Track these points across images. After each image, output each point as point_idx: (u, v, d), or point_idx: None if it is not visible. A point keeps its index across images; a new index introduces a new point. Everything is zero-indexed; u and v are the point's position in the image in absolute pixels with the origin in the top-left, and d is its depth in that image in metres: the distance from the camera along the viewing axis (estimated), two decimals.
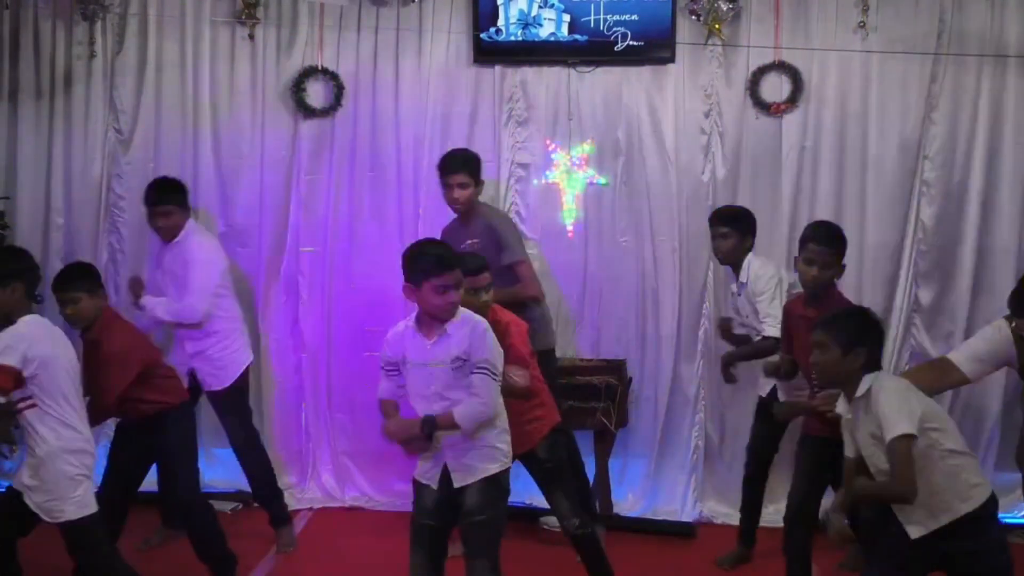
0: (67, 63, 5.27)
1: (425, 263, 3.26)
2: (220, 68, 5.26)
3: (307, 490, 5.32)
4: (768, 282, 4.37)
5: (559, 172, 5.20)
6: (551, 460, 3.94)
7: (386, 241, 5.26)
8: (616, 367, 5.01)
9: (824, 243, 3.84)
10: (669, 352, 5.18)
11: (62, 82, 5.27)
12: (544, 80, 5.19)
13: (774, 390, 4.41)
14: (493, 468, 3.33)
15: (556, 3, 5.05)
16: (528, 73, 5.19)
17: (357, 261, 5.29)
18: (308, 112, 5.21)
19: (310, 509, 5.22)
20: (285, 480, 5.31)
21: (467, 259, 3.68)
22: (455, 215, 4.69)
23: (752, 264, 4.46)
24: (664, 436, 5.21)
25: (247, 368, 4.74)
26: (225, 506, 5.15)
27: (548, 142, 5.20)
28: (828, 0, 5.02)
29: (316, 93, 5.22)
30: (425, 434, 3.27)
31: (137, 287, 4.67)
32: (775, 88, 5.07)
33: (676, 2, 4.98)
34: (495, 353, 3.31)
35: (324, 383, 5.33)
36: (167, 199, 4.57)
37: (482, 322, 3.34)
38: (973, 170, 5.01)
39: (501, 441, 3.37)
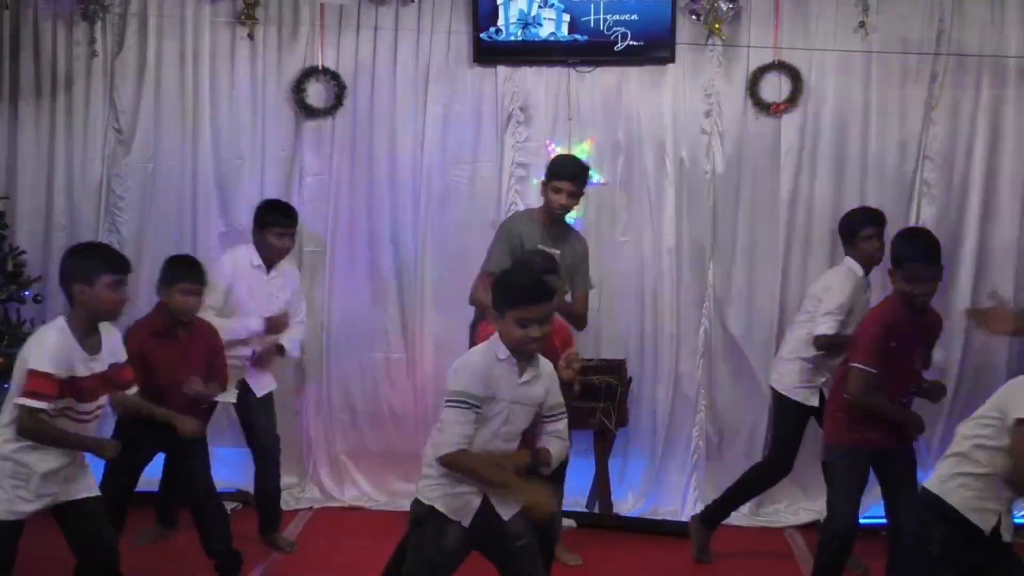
0: (67, 63, 5.26)
1: (512, 293, 3.00)
2: (220, 68, 5.26)
3: (307, 490, 5.32)
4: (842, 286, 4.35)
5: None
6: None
7: (386, 241, 5.26)
8: (616, 367, 5.01)
9: (934, 260, 3.71)
10: (669, 352, 5.18)
11: (62, 82, 5.27)
12: (544, 80, 5.18)
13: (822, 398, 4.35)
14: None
15: (556, 3, 5.05)
16: (528, 73, 5.19)
17: (357, 261, 5.29)
18: (308, 112, 5.21)
19: (310, 509, 5.22)
20: (284, 480, 5.29)
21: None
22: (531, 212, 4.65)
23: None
24: (664, 436, 5.21)
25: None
26: (225, 506, 5.15)
27: (548, 142, 5.20)
28: (828, 0, 5.03)
29: (316, 93, 5.22)
30: (539, 469, 3.08)
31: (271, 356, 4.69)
32: (775, 88, 5.07)
33: (676, 2, 4.99)
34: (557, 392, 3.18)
35: (323, 383, 5.33)
36: (295, 220, 4.66)
37: (548, 361, 3.18)
38: (973, 170, 5.02)
39: None
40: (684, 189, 5.14)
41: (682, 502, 5.18)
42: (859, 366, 3.64)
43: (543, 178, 4.57)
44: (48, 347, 3.18)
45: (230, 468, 5.21)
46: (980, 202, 5.01)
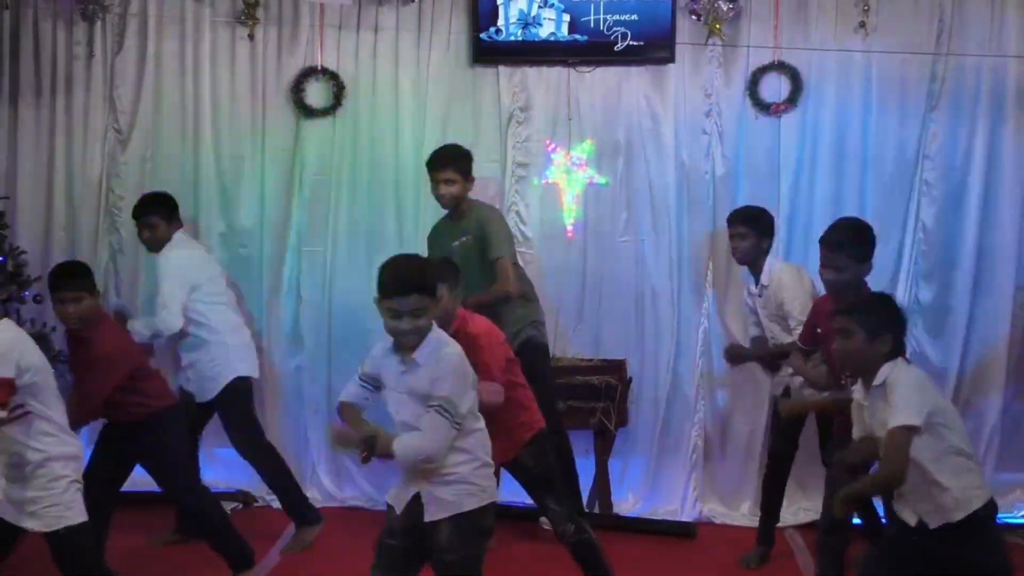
0: (67, 63, 5.26)
1: (381, 281, 3.01)
2: (220, 68, 5.26)
3: (307, 490, 5.30)
4: (792, 289, 4.36)
5: (559, 172, 5.20)
6: (538, 467, 3.81)
7: (386, 241, 5.26)
8: (616, 367, 5.01)
9: (833, 249, 3.78)
10: (669, 352, 5.18)
11: (62, 82, 5.27)
12: (544, 80, 5.19)
13: (787, 389, 4.40)
14: (469, 504, 3.04)
15: (556, 3, 5.05)
16: (528, 73, 5.19)
17: (357, 261, 5.29)
18: (308, 112, 5.21)
19: None
20: None
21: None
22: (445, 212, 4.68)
23: (774, 268, 4.45)
24: (664, 436, 5.21)
25: (239, 379, 4.68)
26: (225, 506, 5.14)
27: (548, 142, 5.20)
28: (828, 0, 5.03)
29: (316, 93, 5.22)
30: (363, 451, 3.02)
31: (121, 318, 4.58)
32: (775, 88, 5.07)
33: (676, 2, 4.99)
34: (459, 388, 2.97)
35: (324, 383, 5.33)
36: (150, 211, 4.60)
37: (452, 353, 3.03)
38: (973, 170, 5.02)
39: (479, 476, 3.07)
40: (684, 189, 5.14)
41: (682, 502, 5.18)
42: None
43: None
44: None
45: (230, 468, 5.22)
46: (980, 202, 5.01)
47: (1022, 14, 4.97)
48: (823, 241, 3.84)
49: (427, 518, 3.04)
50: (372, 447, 2.99)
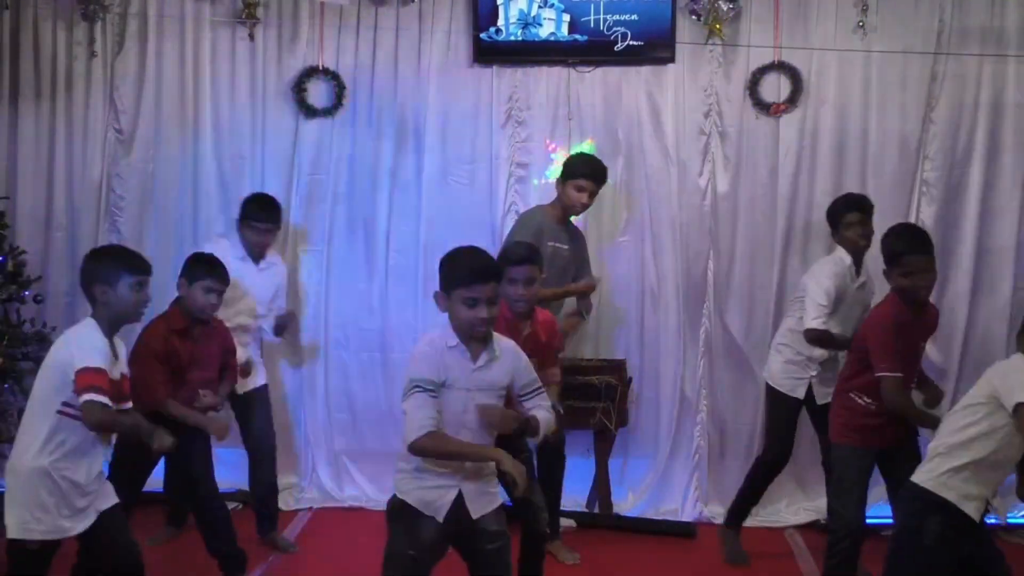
0: (67, 63, 5.26)
1: (459, 271, 2.98)
2: (220, 68, 5.26)
3: (306, 490, 5.32)
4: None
5: (559, 172, 5.20)
6: (522, 455, 3.76)
7: (386, 241, 5.26)
8: (616, 367, 5.01)
9: (929, 253, 3.68)
10: (669, 352, 5.18)
11: (62, 82, 5.27)
12: (544, 80, 5.19)
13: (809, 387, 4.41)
14: (498, 492, 3.16)
15: (556, 3, 5.05)
16: (528, 73, 5.19)
17: (356, 261, 5.29)
18: (308, 112, 5.21)
19: (309, 509, 5.22)
20: (284, 480, 5.30)
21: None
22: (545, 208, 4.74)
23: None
24: (664, 436, 5.21)
25: None
26: (227, 506, 5.15)
27: (548, 142, 5.20)
28: (828, 0, 5.03)
29: (317, 93, 5.22)
30: (519, 430, 3.03)
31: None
32: (775, 88, 5.07)
33: (676, 2, 4.99)
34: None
35: (323, 383, 5.33)
36: (277, 218, 4.71)
37: (512, 342, 3.17)
38: (973, 170, 5.02)
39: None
40: (684, 189, 5.14)
41: (682, 502, 5.19)
42: (889, 374, 3.59)
43: (560, 176, 4.69)
44: (94, 344, 3.15)
45: (230, 468, 5.21)
46: (979, 202, 5.01)
47: (1022, 14, 4.97)
48: (917, 244, 3.68)
49: (475, 514, 3.02)
50: (533, 430, 3.04)
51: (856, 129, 5.07)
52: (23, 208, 5.29)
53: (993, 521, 3.30)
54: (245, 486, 5.08)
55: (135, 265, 3.29)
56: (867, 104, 5.05)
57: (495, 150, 5.22)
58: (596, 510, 5.03)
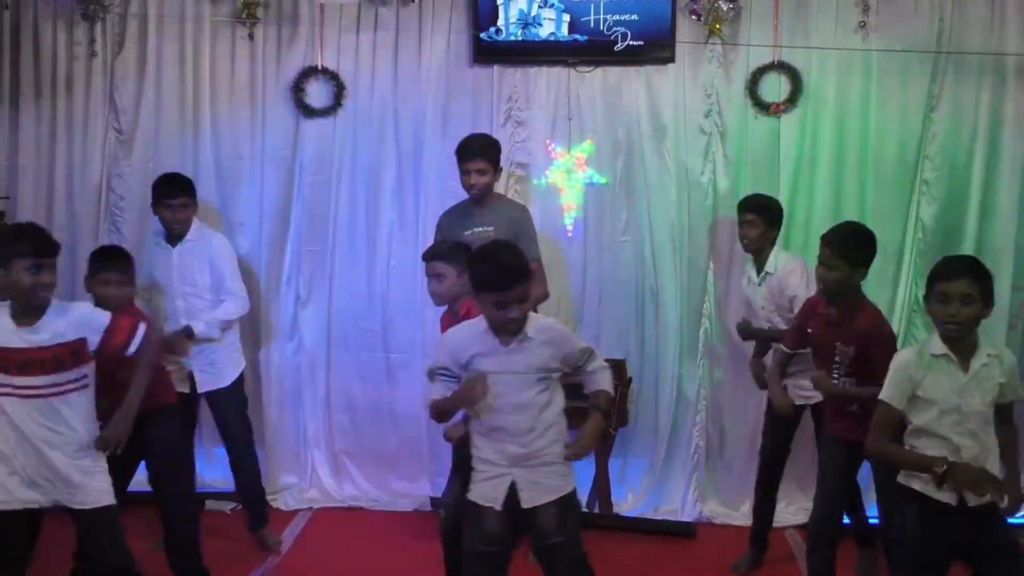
0: (67, 63, 5.26)
1: (489, 280, 3.10)
2: (220, 68, 5.26)
3: (306, 490, 5.32)
4: (799, 280, 4.36)
5: (559, 172, 5.20)
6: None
7: (386, 241, 5.26)
8: (616, 367, 4.99)
9: (829, 247, 3.78)
10: (669, 352, 5.18)
11: (62, 82, 5.27)
12: (544, 80, 5.18)
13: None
14: (567, 486, 3.17)
15: (556, 3, 5.05)
16: (528, 73, 5.19)
17: (357, 261, 5.29)
18: (308, 112, 5.21)
19: (309, 509, 5.22)
20: (284, 480, 5.31)
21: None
22: (468, 198, 4.68)
23: (780, 258, 4.46)
24: (664, 436, 5.21)
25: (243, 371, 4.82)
26: (225, 506, 5.16)
27: (548, 142, 5.20)
28: (828, 0, 5.03)
29: (316, 93, 5.22)
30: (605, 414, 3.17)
31: (183, 343, 4.53)
32: (775, 88, 5.07)
33: (676, 2, 4.99)
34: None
35: (323, 383, 5.33)
36: (184, 192, 4.61)
37: (548, 319, 3.33)
38: (973, 170, 5.01)
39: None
40: (684, 189, 5.14)
41: (682, 502, 5.18)
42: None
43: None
44: None
45: (229, 468, 5.21)
46: (979, 202, 5.01)
47: (1022, 14, 4.96)
48: (823, 237, 3.84)
49: (526, 504, 3.06)
50: (604, 409, 3.22)
51: (856, 129, 5.06)
52: (23, 208, 5.29)
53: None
54: None
55: (31, 247, 3.23)
56: (867, 104, 5.05)
57: None
58: (596, 510, 5.03)
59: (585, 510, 5.06)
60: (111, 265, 3.97)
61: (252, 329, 5.23)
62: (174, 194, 4.56)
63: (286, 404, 5.35)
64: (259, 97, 5.26)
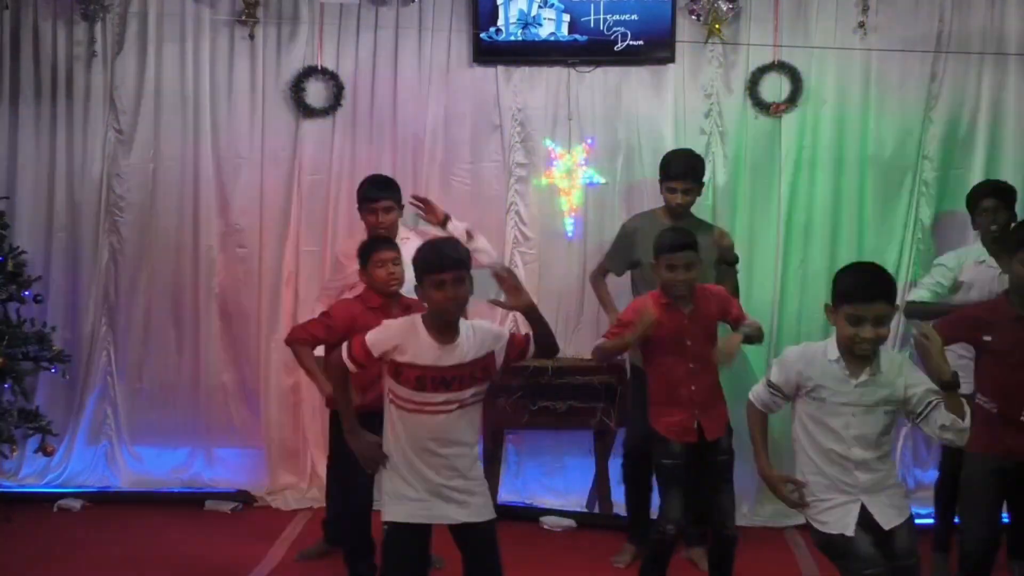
0: (67, 63, 5.26)
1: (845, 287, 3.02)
2: (220, 68, 5.26)
3: (306, 490, 5.31)
4: None
5: (559, 172, 5.20)
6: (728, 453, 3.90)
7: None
8: (616, 367, 5.00)
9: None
10: None
11: (62, 82, 5.27)
12: (544, 80, 5.19)
13: None
14: (908, 506, 3.11)
15: (556, 3, 5.05)
16: (528, 73, 5.19)
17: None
18: (308, 112, 5.21)
19: (310, 509, 5.22)
20: (284, 480, 5.31)
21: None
22: (663, 213, 4.51)
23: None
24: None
25: None
26: (225, 506, 5.15)
27: (548, 142, 5.20)
28: (828, 0, 5.03)
29: (316, 93, 5.22)
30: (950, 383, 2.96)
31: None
32: (775, 88, 5.07)
33: (676, 2, 4.99)
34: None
35: (324, 382, 5.32)
36: (390, 195, 4.36)
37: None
38: (973, 170, 5.02)
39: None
40: None
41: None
42: None
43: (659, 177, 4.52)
44: None
45: (230, 468, 5.23)
46: None
47: (1022, 14, 4.97)
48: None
49: (886, 526, 3.02)
50: (958, 383, 2.95)
51: (856, 129, 5.07)
52: (23, 208, 5.29)
53: None
54: (245, 486, 5.09)
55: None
56: (867, 104, 5.05)
57: (495, 150, 5.22)
58: (596, 510, 5.03)
59: (585, 510, 5.08)
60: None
61: (251, 329, 5.23)
62: (377, 197, 4.33)
63: (286, 404, 5.34)
64: (259, 97, 5.26)
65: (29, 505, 5.11)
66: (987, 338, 3.56)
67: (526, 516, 5.00)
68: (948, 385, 2.95)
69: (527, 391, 4.89)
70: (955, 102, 5.01)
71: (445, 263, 2.97)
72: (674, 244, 3.71)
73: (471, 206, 5.23)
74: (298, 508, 5.21)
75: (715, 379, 3.81)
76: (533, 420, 4.93)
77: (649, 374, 3.86)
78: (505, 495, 5.13)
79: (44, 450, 4.92)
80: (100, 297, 5.30)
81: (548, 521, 4.96)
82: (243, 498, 5.17)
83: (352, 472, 3.48)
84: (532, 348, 3.10)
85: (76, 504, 5.14)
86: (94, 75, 5.26)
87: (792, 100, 5.06)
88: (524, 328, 3.28)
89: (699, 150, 5.12)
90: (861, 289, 2.98)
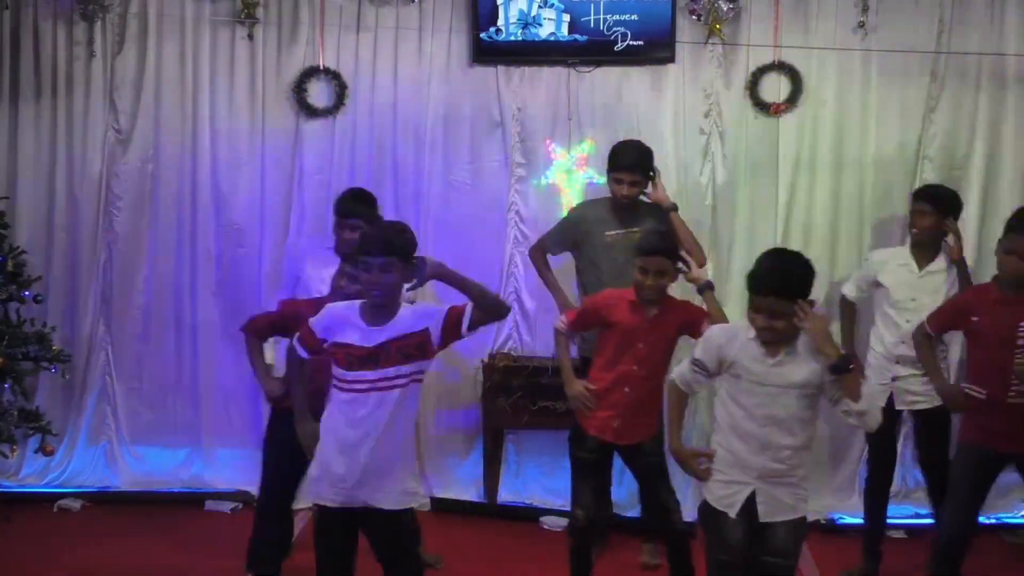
0: (67, 63, 5.26)
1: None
2: (220, 68, 5.26)
3: (305, 492, 5.30)
4: None
5: (559, 172, 5.20)
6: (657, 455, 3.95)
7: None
8: None
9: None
10: None
11: (62, 82, 5.26)
12: (544, 80, 5.19)
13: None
14: (802, 510, 3.10)
15: (556, 3, 5.05)
16: (528, 73, 5.19)
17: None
18: (309, 112, 5.21)
19: (310, 509, 5.21)
20: None
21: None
22: (609, 202, 4.53)
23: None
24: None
25: None
26: (225, 506, 5.15)
27: (548, 142, 5.20)
28: (828, 0, 5.03)
29: (317, 93, 5.21)
30: (841, 364, 2.95)
31: None
32: (775, 88, 5.07)
33: (676, 2, 4.99)
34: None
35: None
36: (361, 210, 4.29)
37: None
38: (973, 170, 5.02)
39: (807, 483, 3.13)
40: (683, 189, 5.14)
41: (682, 502, 5.16)
42: None
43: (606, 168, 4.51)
44: None
45: (230, 468, 5.22)
46: (979, 202, 5.02)
47: (1022, 14, 4.97)
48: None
49: (763, 518, 3.02)
50: (847, 365, 2.95)
51: (856, 129, 5.07)
52: (23, 208, 5.29)
53: None
54: (245, 486, 5.08)
55: None
56: (867, 104, 5.06)
57: (495, 150, 5.22)
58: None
59: None
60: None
61: None
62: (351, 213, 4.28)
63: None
64: (259, 97, 5.25)
65: (29, 505, 5.11)
66: (974, 319, 3.75)
67: (526, 516, 5.00)
68: (836, 368, 2.95)
69: (527, 391, 4.89)
70: (955, 102, 5.01)
71: (372, 248, 3.05)
72: (647, 248, 3.73)
73: (471, 206, 5.23)
74: (298, 508, 5.20)
75: (656, 388, 3.78)
76: (533, 420, 4.93)
77: (593, 364, 3.90)
78: (505, 495, 5.13)
79: (44, 450, 4.92)
80: (99, 297, 5.30)
81: (548, 521, 4.96)
82: (243, 498, 5.17)
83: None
84: (472, 313, 3.09)
85: (76, 504, 5.15)
86: (94, 75, 5.26)
87: (792, 100, 5.06)
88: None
89: (699, 150, 5.15)
90: (755, 280, 3.07)
